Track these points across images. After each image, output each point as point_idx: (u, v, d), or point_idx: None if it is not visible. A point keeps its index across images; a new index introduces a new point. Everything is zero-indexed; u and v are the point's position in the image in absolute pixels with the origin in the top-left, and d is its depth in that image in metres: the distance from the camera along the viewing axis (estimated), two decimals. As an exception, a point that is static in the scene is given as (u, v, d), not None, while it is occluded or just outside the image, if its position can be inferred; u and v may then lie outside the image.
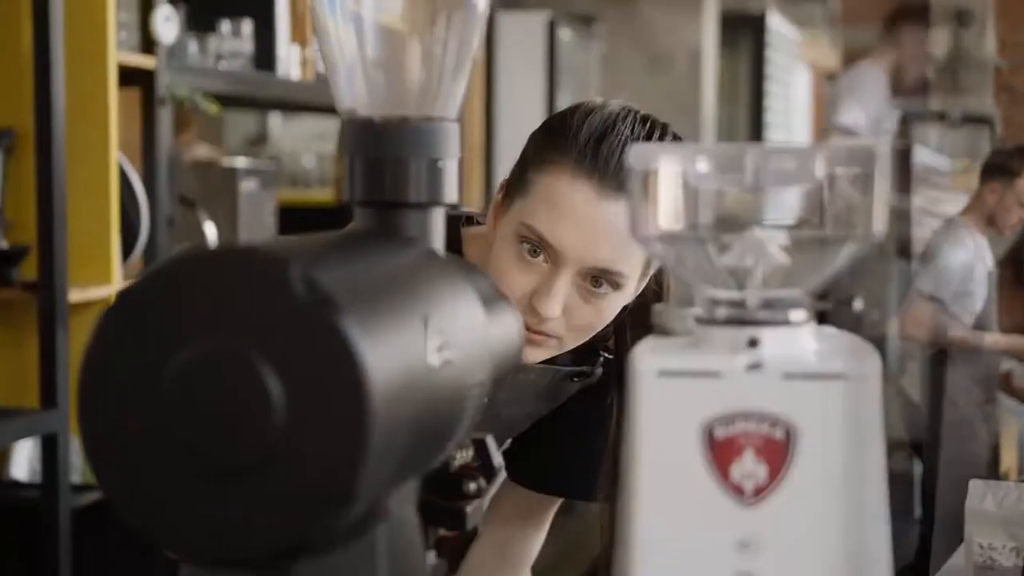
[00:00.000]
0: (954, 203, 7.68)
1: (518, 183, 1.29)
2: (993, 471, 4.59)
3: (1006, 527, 1.83)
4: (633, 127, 1.26)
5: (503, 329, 0.81)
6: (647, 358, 0.67)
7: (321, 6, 0.80)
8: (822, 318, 0.71)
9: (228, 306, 0.60)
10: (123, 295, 0.61)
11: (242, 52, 3.08)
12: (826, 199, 0.67)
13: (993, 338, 4.80)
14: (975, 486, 1.92)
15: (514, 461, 1.55)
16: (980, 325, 4.57)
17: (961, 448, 4.43)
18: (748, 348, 0.66)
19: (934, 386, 4.71)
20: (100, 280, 2.48)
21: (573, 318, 1.28)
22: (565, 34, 4.98)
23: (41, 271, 2.34)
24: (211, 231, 2.99)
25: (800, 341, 0.68)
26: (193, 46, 2.97)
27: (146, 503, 0.62)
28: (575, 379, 1.44)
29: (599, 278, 1.26)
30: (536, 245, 1.25)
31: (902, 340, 4.71)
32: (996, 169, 4.67)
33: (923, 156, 6.67)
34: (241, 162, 3.22)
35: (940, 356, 4.56)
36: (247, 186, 3.09)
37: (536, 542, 1.57)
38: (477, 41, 0.81)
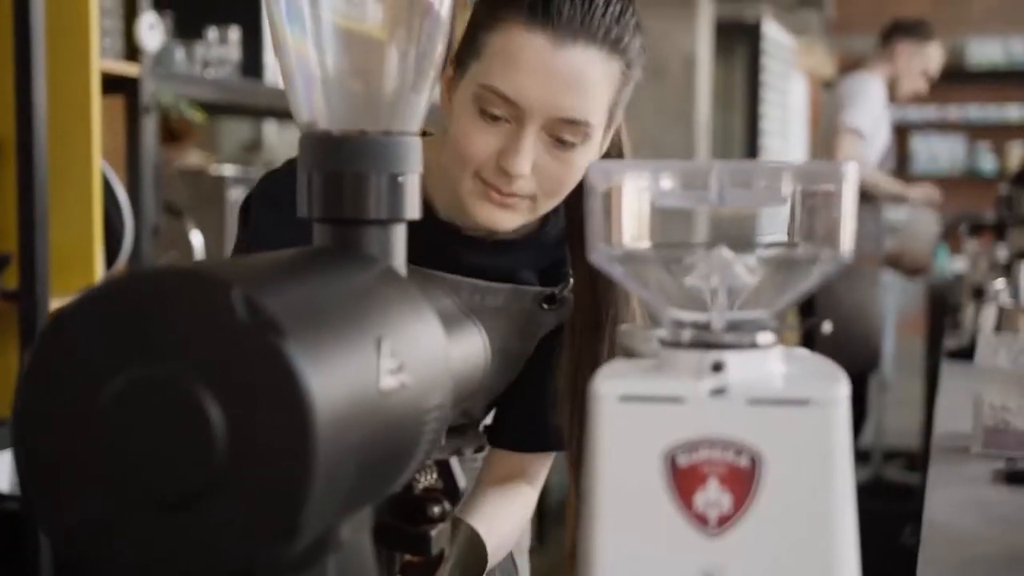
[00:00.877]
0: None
1: (469, 50, 1.28)
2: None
3: (1022, 385, 1.70)
4: None
5: (465, 349, 0.79)
6: (608, 382, 0.65)
7: (279, 17, 0.77)
8: (808, 338, 0.68)
9: (168, 329, 0.58)
10: (60, 316, 0.59)
11: (229, 59, 3.05)
12: (795, 218, 0.65)
13: (911, 189, 4.83)
14: (985, 340, 1.77)
15: (490, 428, 1.51)
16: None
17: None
18: (712, 372, 0.64)
19: None
20: (83, 288, 2.45)
21: (543, 176, 1.26)
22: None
23: (22, 280, 2.31)
24: (197, 240, 2.97)
25: (767, 365, 0.65)
26: (180, 53, 2.94)
27: (83, 533, 0.59)
28: (546, 306, 1.41)
29: (564, 134, 1.24)
30: (496, 106, 1.24)
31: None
32: (908, 31, 4.66)
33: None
34: (229, 170, 3.20)
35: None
36: (235, 194, 3.06)
37: (534, 497, 1.51)
38: (441, 51, 0.78)
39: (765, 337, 0.66)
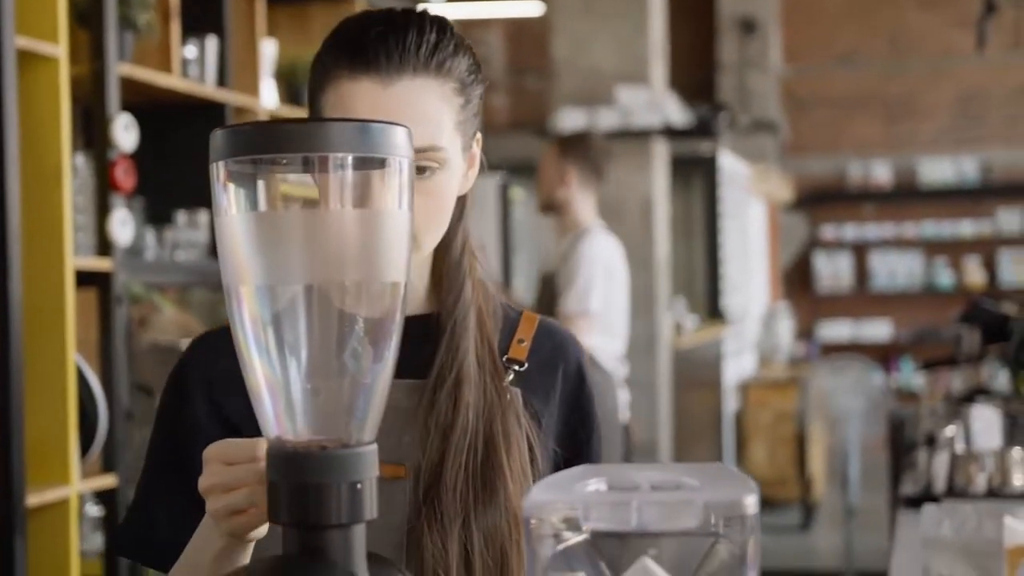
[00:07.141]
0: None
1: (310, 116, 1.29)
2: None
3: (968, 555, 1.72)
4: (390, 12, 1.27)
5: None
6: None
7: (247, 345, 0.86)
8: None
9: None
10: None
11: (198, 242, 3.17)
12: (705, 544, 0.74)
13: None
14: (930, 511, 1.80)
15: None
16: None
17: None
18: None
19: None
20: (58, 481, 2.51)
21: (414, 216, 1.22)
22: (518, 193, 5.10)
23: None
24: (169, 418, 3.02)
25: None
26: (151, 238, 3.04)
27: None
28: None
29: (416, 162, 1.19)
30: None
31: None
32: None
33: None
34: (198, 344, 3.27)
35: None
36: (205, 368, 3.13)
37: None
38: (390, 374, 0.88)
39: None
